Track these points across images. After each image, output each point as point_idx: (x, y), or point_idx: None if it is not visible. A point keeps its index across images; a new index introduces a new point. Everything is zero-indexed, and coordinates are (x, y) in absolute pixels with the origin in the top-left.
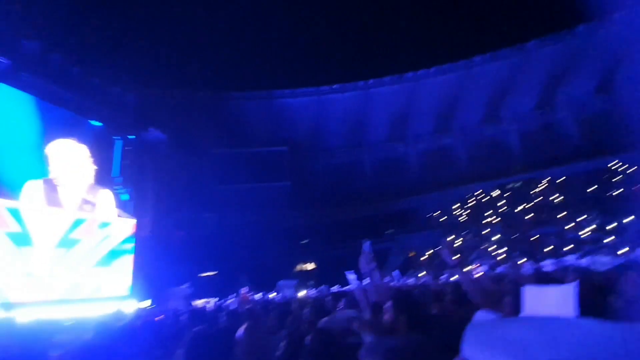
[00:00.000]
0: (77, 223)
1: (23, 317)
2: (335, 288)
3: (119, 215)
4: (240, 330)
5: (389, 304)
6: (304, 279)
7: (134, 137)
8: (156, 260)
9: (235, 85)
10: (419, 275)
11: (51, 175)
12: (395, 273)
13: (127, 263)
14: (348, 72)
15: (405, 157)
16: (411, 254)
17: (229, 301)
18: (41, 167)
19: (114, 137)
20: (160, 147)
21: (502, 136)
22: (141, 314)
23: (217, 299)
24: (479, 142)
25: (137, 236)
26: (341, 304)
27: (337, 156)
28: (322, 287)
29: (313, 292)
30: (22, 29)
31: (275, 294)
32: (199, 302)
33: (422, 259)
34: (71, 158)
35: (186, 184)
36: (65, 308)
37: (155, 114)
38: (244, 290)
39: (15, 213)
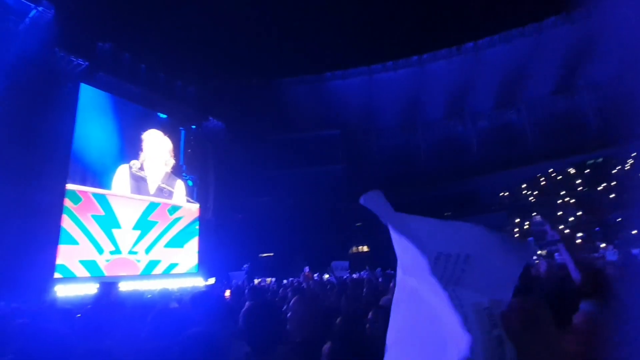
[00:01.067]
0: (152, 207)
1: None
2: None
3: (187, 201)
4: (291, 303)
5: None
6: (358, 261)
7: (195, 127)
8: (218, 242)
9: (286, 70)
10: None
11: (139, 160)
12: None
13: (193, 244)
14: (401, 48)
15: (464, 135)
16: None
17: (284, 282)
18: (119, 156)
19: (180, 128)
20: (220, 136)
21: (578, 108)
22: (209, 289)
23: (273, 278)
24: (549, 116)
25: (201, 219)
26: (393, 284)
27: (391, 137)
28: (376, 270)
29: (366, 273)
30: (95, 32)
31: (327, 275)
32: (258, 281)
33: None
34: (158, 147)
35: (243, 170)
36: (144, 283)
37: (214, 104)
38: (307, 269)
39: (99, 198)
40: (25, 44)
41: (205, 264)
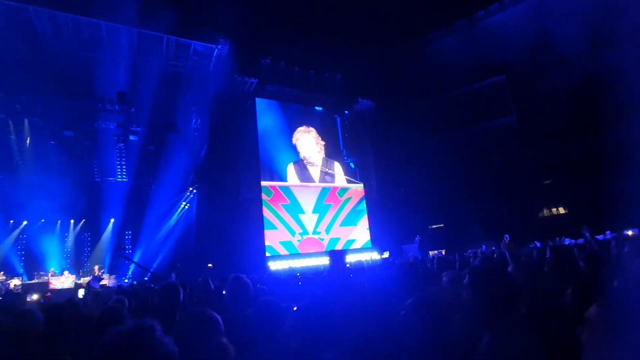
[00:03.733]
0: (325, 192)
1: (308, 263)
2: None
3: (349, 182)
4: (510, 269)
5: None
6: (554, 225)
7: (347, 112)
8: (386, 217)
9: (431, 23)
10: None
11: (300, 156)
12: None
13: (364, 221)
14: None
15: None
16: None
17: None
18: (293, 152)
19: (335, 116)
20: (371, 114)
21: None
22: (390, 260)
23: (443, 250)
24: None
25: (367, 198)
26: (626, 249)
27: (576, 66)
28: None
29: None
30: (257, 52)
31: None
32: (432, 253)
33: None
34: (307, 140)
35: (401, 142)
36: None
37: (361, 85)
38: (507, 237)
39: (284, 190)
40: (217, 78)
41: (377, 239)
